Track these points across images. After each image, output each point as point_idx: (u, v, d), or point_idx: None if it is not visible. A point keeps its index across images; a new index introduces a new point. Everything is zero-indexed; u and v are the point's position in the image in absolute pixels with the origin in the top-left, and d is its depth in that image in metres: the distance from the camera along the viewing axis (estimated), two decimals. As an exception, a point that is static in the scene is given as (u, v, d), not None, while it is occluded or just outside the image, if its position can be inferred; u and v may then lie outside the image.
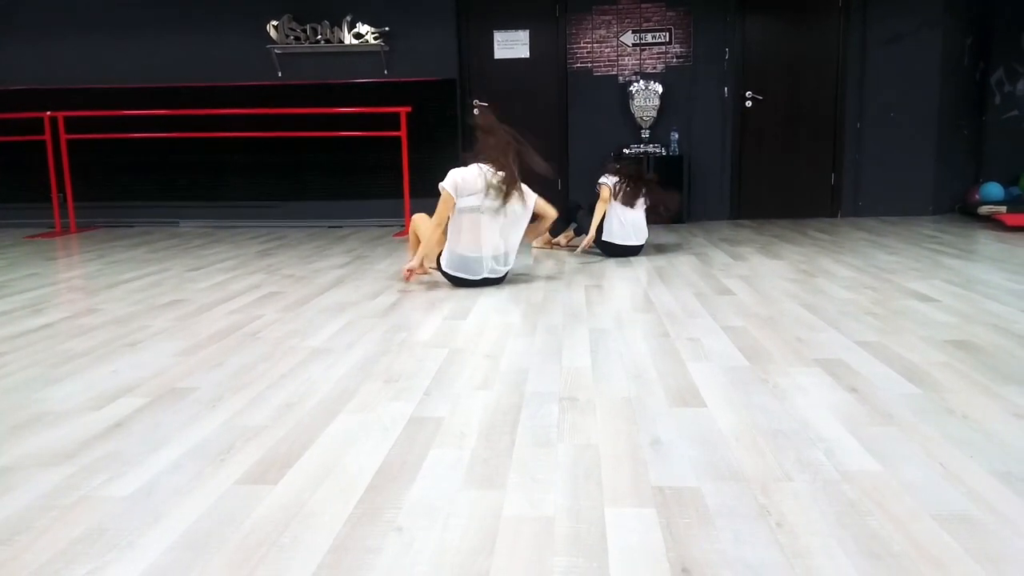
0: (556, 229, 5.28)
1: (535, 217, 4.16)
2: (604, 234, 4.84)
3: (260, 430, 2.04)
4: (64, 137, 6.52)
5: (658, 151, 6.57)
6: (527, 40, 6.86)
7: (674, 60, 6.75)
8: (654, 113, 6.65)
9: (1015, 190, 6.63)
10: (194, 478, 1.75)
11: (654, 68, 6.76)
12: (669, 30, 6.72)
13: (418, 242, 4.12)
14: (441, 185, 3.87)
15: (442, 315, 3.36)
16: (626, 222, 4.82)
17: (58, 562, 1.40)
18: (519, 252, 4.17)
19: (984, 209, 6.39)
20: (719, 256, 4.88)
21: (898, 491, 1.62)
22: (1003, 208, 6.32)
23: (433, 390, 2.34)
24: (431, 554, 1.41)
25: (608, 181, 4.85)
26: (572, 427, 2.02)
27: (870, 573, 1.32)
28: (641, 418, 2.07)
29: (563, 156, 6.90)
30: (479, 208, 3.84)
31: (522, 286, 3.99)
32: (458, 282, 3.94)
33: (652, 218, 4.99)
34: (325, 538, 1.48)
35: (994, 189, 6.57)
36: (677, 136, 6.67)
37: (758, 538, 1.44)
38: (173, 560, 1.41)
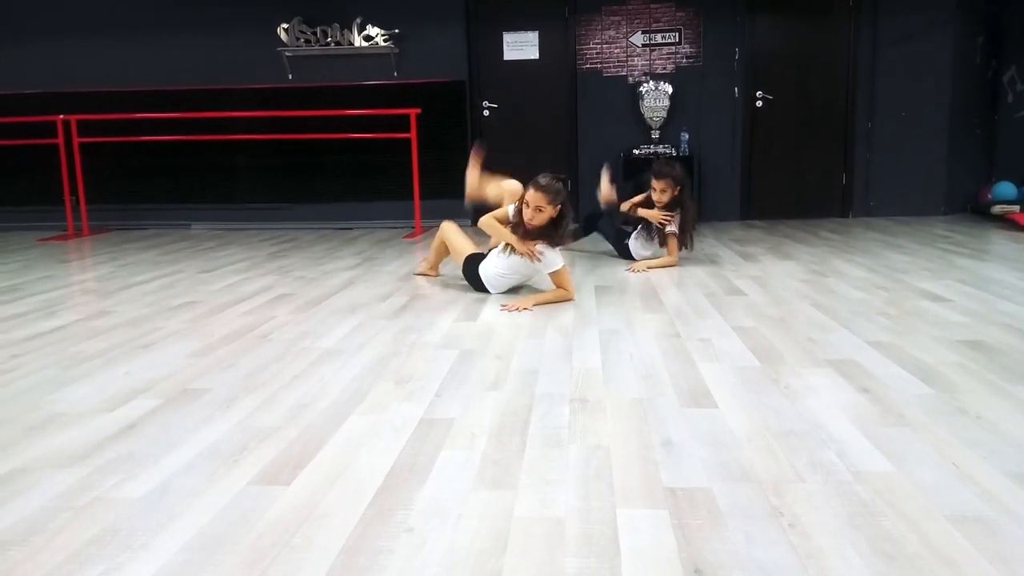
0: (573, 239, 5.26)
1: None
2: (628, 249, 4.80)
3: (272, 431, 2.05)
4: (77, 140, 6.58)
5: (668, 152, 6.55)
6: (536, 41, 6.85)
7: (684, 60, 6.74)
8: (664, 114, 6.64)
9: (1028, 189, 6.58)
10: (207, 479, 1.76)
11: (664, 68, 6.74)
12: (679, 30, 6.71)
13: (443, 248, 4.10)
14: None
15: (452, 317, 3.36)
16: (646, 241, 4.80)
17: (72, 563, 1.41)
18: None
19: (997, 208, 6.34)
20: (730, 256, 4.87)
21: (911, 492, 1.61)
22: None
23: (444, 391, 2.35)
24: (442, 555, 1.41)
25: (675, 229, 4.51)
26: (583, 428, 2.02)
27: (883, 574, 1.32)
28: (652, 419, 2.07)
29: (572, 158, 6.89)
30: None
31: (531, 288, 3.99)
32: (477, 287, 3.90)
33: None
34: (337, 539, 1.48)
35: (1007, 188, 6.52)
36: (687, 136, 6.65)
37: (771, 539, 1.44)
38: (186, 560, 1.41)
